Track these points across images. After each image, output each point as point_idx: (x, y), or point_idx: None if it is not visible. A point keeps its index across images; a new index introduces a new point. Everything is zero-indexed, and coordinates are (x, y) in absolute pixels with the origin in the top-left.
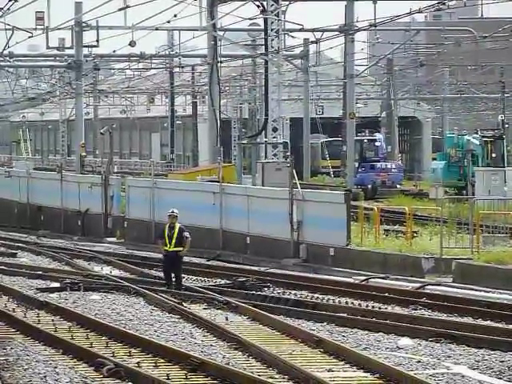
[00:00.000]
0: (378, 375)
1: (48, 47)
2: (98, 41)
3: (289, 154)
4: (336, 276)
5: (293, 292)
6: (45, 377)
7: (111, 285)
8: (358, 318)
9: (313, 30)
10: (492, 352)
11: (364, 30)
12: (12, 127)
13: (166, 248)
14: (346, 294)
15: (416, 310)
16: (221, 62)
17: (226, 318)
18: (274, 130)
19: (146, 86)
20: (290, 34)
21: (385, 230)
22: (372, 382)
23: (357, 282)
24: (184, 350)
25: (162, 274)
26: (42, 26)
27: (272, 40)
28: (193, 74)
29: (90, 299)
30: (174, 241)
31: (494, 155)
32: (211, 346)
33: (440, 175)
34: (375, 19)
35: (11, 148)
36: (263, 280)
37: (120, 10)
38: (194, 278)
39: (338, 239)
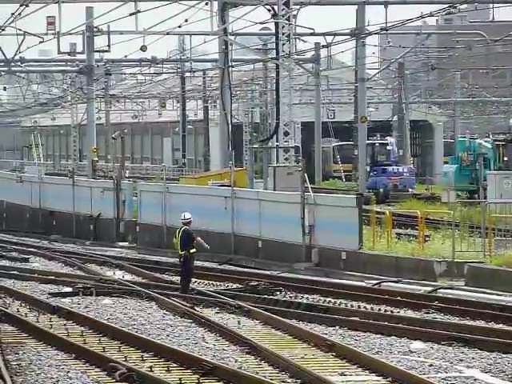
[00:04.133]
0: (390, 379)
1: (59, 52)
2: (109, 46)
3: (300, 158)
4: (348, 280)
5: (305, 296)
6: (57, 382)
7: (123, 289)
8: (371, 321)
9: (324, 34)
10: (504, 355)
11: (375, 33)
12: (24, 132)
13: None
14: (359, 298)
15: (428, 313)
16: (232, 67)
17: (239, 322)
18: (286, 134)
19: (158, 90)
20: (301, 38)
21: (397, 233)
22: None
23: (369, 285)
24: (196, 355)
25: (174, 279)
26: (53, 31)
27: (283, 44)
28: (204, 78)
29: (102, 304)
30: None
31: (505, 159)
32: (223, 350)
33: (452, 179)
34: (386, 23)
35: (23, 153)
36: (275, 284)
37: (131, 14)
38: (206, 282)
39: (350, 243)
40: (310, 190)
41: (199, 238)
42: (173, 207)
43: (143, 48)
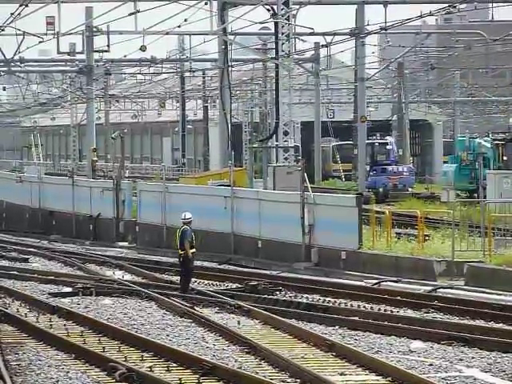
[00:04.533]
0: (390, 379)
1: (59, 52)
2: (108, 45)
3: (300, 157)
4: (348, 279)
5: (304, 296)
6: (57, 382)
7: (123, 289)
8: (370, 321)
9: (323, 34)
10: (504, 355)
11: (375, 33)
12: (23, 132)
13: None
14: (358, 298)
15: (428, 313)
16: (231, 66)
17: (238, 322)
18: (285, 133)
19: (157, 90)
20: (301, 37)
21: (396, 233)
22: None
23: (369, 285)
24: (196, 354)
25: (174, 279)
26: (53, 31)
27: (282, 44)
28: (203, 78)
29: (102, 304)
30: None
31: (505, 158)
32: (223, 350)
33: (451, 178)
34: (386, 23)
35: (22, 153)
36: (275, 284)
37: (130, 14)
38: (206, 282)
39: (350, 243)
40: (310, 189)
41: (187, 245)
42: (172, 207)
43: (143, 48)
